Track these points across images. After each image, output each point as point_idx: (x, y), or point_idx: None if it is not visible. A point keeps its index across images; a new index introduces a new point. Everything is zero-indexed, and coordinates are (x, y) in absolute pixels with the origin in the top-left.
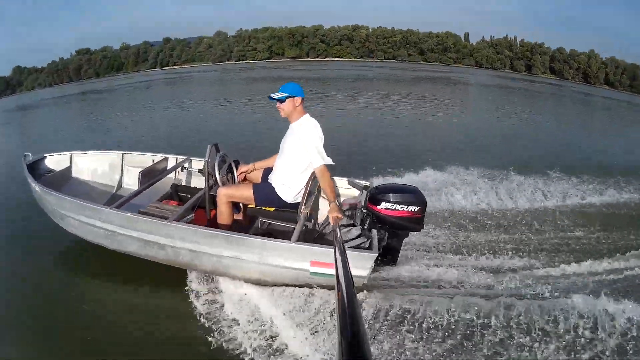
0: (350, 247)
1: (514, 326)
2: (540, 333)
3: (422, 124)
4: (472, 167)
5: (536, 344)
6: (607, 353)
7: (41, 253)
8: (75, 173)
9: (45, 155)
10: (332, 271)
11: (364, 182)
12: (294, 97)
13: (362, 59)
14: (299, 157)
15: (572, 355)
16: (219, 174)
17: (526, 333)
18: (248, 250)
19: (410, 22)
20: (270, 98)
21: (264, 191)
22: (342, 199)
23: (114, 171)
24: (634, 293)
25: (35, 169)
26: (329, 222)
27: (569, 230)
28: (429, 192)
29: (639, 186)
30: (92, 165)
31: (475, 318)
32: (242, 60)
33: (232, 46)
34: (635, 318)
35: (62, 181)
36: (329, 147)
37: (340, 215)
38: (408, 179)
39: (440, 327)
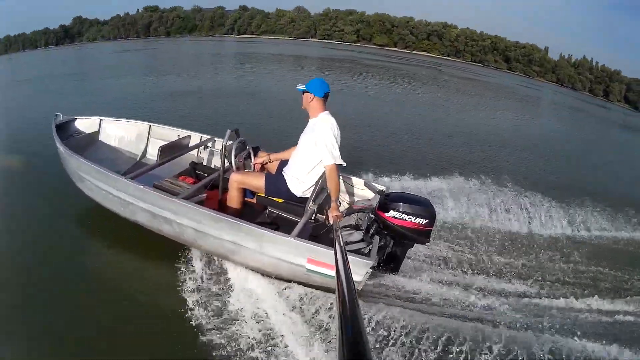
0: (348, 251)
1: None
2: None
3: (486, 133)
4: (510, 183)
5: None
6: None
7: (58, 211)
8: (102, 138)
9: (75, 117)
10: (328, 271)
11: (380, 186)
12: (308, 92)
13: (448, 57)
14: (311, 153)
15: None
16: (234, 158)
17: None
18: (248, 238)
19: (485, 23)
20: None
21: (275, 182)
22: (355, 199)
23: (140, 141)
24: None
25: (65, 129)
26: (345, 219)
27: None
28: (444, 200)
29: None
30: (119, 133)
31: (466, 343)
32: (327, 39)
33: (317, 24)
34: None
35: (89, 145)
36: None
37: (339, 215)
38: (433, 184)
39: (429, 345)
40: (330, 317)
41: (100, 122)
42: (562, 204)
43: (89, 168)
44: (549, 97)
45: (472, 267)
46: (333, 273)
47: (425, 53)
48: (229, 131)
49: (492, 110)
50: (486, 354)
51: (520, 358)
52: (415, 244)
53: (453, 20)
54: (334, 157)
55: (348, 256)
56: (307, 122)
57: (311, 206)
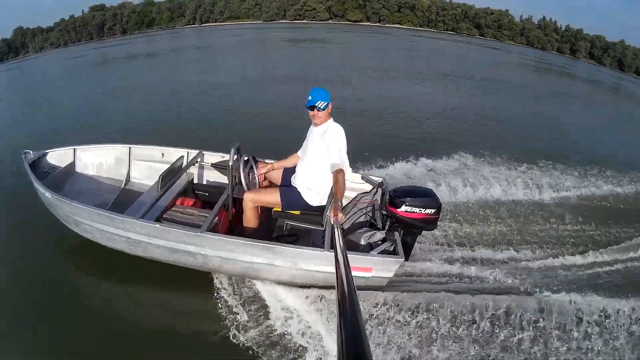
0: (378, 253)
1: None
2: (545, 330)
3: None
4: (487, 155)
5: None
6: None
7: (50, 257)
8: (79, 169)
9: (46, 151)
10: (363, 273)
11: (377, 178)
12: (329, 103)
13: (421, 28)
14: (322, 163)
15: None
16: (244, 178)
17: (534, 330)
18: (282, 258)
19: None
20: (312, 107)
21: (291, 196)
22: (355, 194)
23: (120, 165)
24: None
25: (37, 166)
26: (345, 224)
27: (574, 224)
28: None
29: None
30: (97, 160)
31: (479, 314)
32: (299, 20)
33: (286, 5)
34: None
35: (66, 178)
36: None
37: (342, 215)
38: (417, 166)
39: (447, 321)
40: (370, 315)
41: (75, 151)
42: (536, 169)
43: (88, 212)
44: (518, 61)
45: (468, 242)
46: (367, 274)
47: (398, 25)
48: (233, 149)
49: (462, 80)
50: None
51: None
52: (424, 231)
53: None
54: (345, 164)
55: (380, 258)
56: (310, 129)
57: (329, 213)
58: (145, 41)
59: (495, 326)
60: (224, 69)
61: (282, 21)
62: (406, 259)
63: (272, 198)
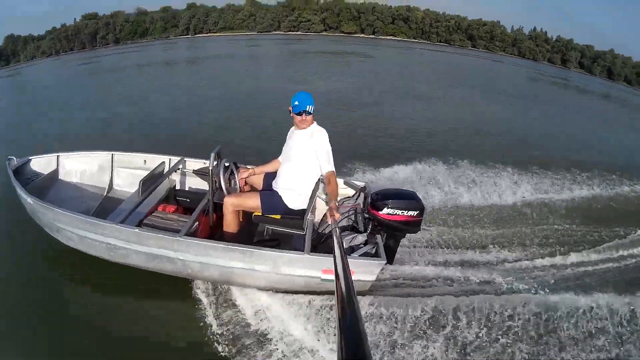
0: (359, 255)
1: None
2: (538, 330)
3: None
4: (474, 160)
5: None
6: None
7: (33, 265)
8: (62, 176)
9: (30, 158)
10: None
11: (360, 183)
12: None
13: (415, 40)
14: (308, 166)
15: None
16: (224, 182)
17: (519, 329)
18: (261, 262)
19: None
20: (301, 110)
21: (271, 199)
22: (339, 199)
23: (103, 172)
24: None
25: (21, 173)
26: (327, 229)
27: (562, 224)
28: (421, 185)
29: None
30: (80, 167)
31: (465, 315)
32: (293, 31)
33: (281, 16)
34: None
35: (50, 185)
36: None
37: (339, 215)
38: (401, 171)
39: (432, 324)
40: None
41: (58, 158)
42: (526, 173)
43: (68, 218)
44: (509, 70)
45: (458, 244)
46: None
47: (392, 37)
48: (213, 154)
49: (451, 90)
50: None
51: (515, 318)
52: (408, 234)
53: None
54: (332, 165)
55: (360, 260)
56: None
57: (309, 217)
58: (138, 51)
59: (482, 327)
60: (215, 79)
61: (277, 32)
62: (390, 263)
63: (253, 202)
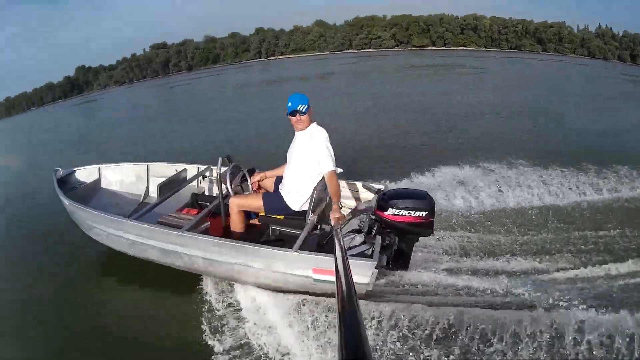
0: (351, 255)
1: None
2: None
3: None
4: (512, 162)
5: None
6: None
7: (72, 259)
8: (104, 185)
9: (74, 169)
10: (332, 277)
11: (378, 186)
12: (310, 107)
13: (485, 48)
14: (308, 166)
15: None
16: (230, 184)
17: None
18: (254, 258)
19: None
20: (293, 111)
21: (273, 200)
22: (357, 202)
23: (140, 182)
24: None
25: (67, 182)
26: (347, 224)
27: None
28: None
29: None
30: (119, 177)
31: (481, 328)
32: (365, 49)
33: (351, 35)
34: None
35: (92, 193)
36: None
37: (341, 217)
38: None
39: (448, 335)
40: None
41: (100, 169)
42: (570, 170)
43: (96, 216)
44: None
45: (480, 252)
46: None
47: (462, 47)
48: (220, 159)
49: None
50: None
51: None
52: (421, 237)
53: (457, 10)
54: (334, 164)
55: (352, 260)
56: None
57: (311, 217)
58: (214, 75)
59: (510, 343)
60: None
61: (349, 51)
62: (405, 268)
63: (256, 203)
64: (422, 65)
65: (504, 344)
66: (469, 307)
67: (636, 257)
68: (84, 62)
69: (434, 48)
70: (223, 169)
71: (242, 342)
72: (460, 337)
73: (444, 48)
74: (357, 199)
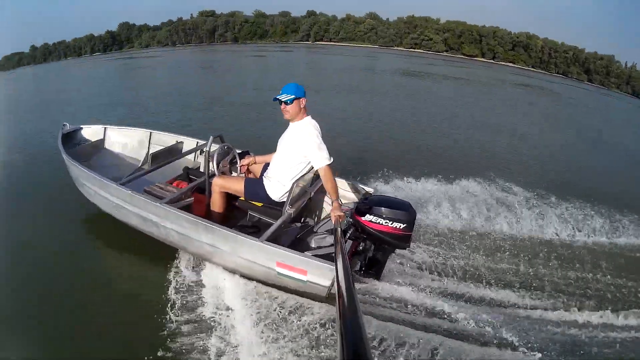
0: (313, 255)
1: None
2: None
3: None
4: (512, 185)
5: None
6: None
7: (62, 213)
8: (107, 145)
9: (81, 126)
10: (298, 275)
11: (367, 189)
12: (299, 98)
13: (533, 69)
14: (292, 157)
15: None
16: (217, 164)
17: None
18: (223, 241)
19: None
20: (275, 99)
21: (254, 186)
22: (342, 201)
23: (142, 147)
24: None
25: (73, 137)
26: (327, 223)
27: (584, 271)
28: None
29: None
30: (122, 140)
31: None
32: (415, 48)
33: (403, 32)
34: None
35: (94, 152)
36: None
37: (342, 215)
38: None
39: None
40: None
41: (105, 130)
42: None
43: (86, 175)
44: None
45: (458, 274)
46: (303, 277)
47: (511, 64)
48: (211, 137)
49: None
50: None
51: None
52: (397, 249)
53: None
54: (327, 157)
55: (315, 261)
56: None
57: (288, 209)
58: (258, 51)
59: None
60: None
61: (398, 48)
62: (377, 278)
63: (238, 186)
64: (475, 79)
65: None
66: (431, 332)
67: (625, 310)
68: (129, 19)
69: (482, 59)
70: (214, 147)
71: (197, 319)
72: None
73: (492, 61)
74: (343, 198)
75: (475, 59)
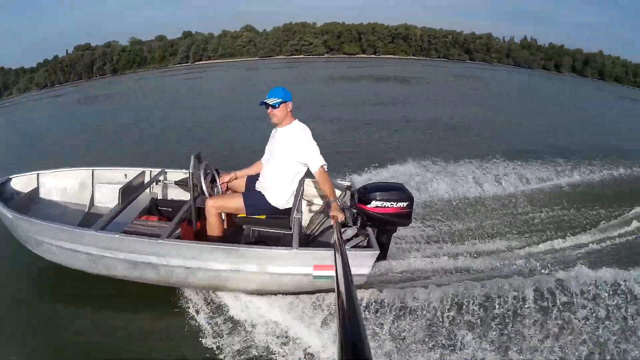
0: (350, 247)
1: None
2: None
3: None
4: (465, 157)
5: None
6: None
7: (16, 283)
8: (43, 194)
9: (10, 177)
10: (334, 273)
11: (346, 183)
12: (286, 102)
13: (414, 57)
14: (291, 163)
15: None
16: (205, 185)
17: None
18: (248, 261)
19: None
20: (262, 103)
21: (254, 200)
22: (322, 201)
23: (84, 188)
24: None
25: (2, 192)
26: (322, 225)
27: (550, 210)
28: (415, 183)
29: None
30: (60, 184)
31: (468, 302)
32: (296, 55)
33: (281, 41)
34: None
35: (30, 204)
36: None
37: (341, 215)
38: (392, 171)
39: (432, 315)
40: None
41: (38, 176)
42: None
43: (48, 228)
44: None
45: (447, 237)
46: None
47: (392, 55)
48: (193, 157)
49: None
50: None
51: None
52: (399, 227)
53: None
54: (321, 159)
55: (353, 252)
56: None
57: (296, 215)
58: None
59: (487, 310)
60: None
61: (279, 57)
62: (383, 258)
63: (236, 203)
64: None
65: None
66: (455, 283)
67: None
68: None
69: (364, 55)
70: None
71: (261, 355)
72: (464, 310)
73: (374, 56)
74: (325, 196)
75: (356, 56)
